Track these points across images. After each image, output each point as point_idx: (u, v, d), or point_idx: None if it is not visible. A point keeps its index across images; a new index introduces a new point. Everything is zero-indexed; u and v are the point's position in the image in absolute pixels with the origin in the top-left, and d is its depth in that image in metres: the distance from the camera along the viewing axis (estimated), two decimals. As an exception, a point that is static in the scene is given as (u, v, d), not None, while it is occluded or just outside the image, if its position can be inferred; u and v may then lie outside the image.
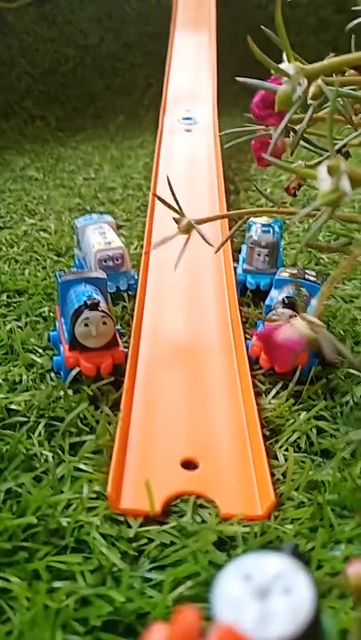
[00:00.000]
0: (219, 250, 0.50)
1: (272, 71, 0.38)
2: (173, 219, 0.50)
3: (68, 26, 1.65)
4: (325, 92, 0.40)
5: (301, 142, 0.47)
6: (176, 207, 0.50)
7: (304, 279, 0.54)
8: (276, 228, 0.65)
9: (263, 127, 0.49)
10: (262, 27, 0.42)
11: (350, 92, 0.43)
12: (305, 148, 0.48)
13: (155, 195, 0.52)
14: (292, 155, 0.48)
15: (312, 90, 0.42)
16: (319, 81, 0.41)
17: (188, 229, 0.49)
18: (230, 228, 0.76)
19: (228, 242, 0.71)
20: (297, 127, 0.46)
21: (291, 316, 0.50)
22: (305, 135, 0.47)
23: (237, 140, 0.49)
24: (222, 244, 0.52)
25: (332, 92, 0.40)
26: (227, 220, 0.77)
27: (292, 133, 0.47)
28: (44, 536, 0.36)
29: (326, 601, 0.33)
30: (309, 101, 0.43)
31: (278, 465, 0.43)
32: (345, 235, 0.50)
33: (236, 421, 0.47)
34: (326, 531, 0.37)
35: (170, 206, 0.49)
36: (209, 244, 0.49)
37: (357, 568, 0.25)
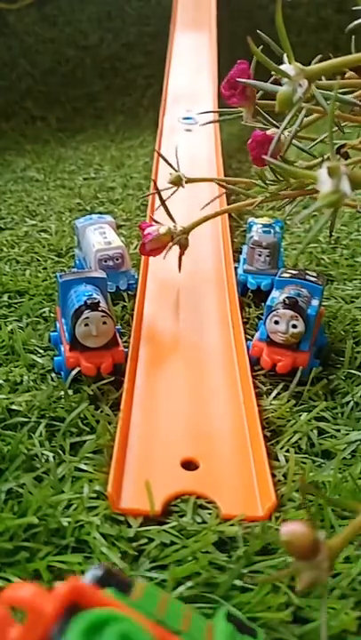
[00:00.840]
0: (205, 206, 0.61)
1: (273, 72, 0.38)
2: (169, 174, 0.62)
3: (68, 26, 1.65)
4: (317, 97, 0.41)
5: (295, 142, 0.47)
6: (175, 166, 0.61)
7: (305, 280, 0.54)
8: (277, 229, 0.65)
9: (262, 125, 0.50)
10: (259, 31, 0.42)
11: (342, 96, 0.44)
12: (298, 148, 0.48)
13: (158, 153, 0.64)
14: (285, 153, 0.48)
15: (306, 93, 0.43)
16: (312, 86, 0.41)
17: (177, 181, 0.62)
18: (230, 226, 0.76)
19: (229, 243, 0.71)
20: (265, 112, 0.48)
21: (292, 317, 0.50)
22: (297, 137, 0.48)
23: (221, 119, 0.52)
24: (209, 203, 0.62)
25: (323, 96, 0.40)
26: (227, 216, 0.77)
27: (284, 134, 0.47)
28: (44, 536, 0.36)
29: (327, 601, 0.33)
30: (301, 104, 0.43)
31: (279, 466, 0.43)
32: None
33: (236, 422, 0.47)
34: (327, 531, 0.37)
35: (166, 161, 0.61)
36: (182, 186, 0.61)
37: (290, 527, 0.27)
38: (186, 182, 0.61)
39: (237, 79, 0.48)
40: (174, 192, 0.61)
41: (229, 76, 0.49)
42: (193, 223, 0.61)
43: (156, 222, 0.61)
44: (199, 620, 0.26)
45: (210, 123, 0.56)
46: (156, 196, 0.81)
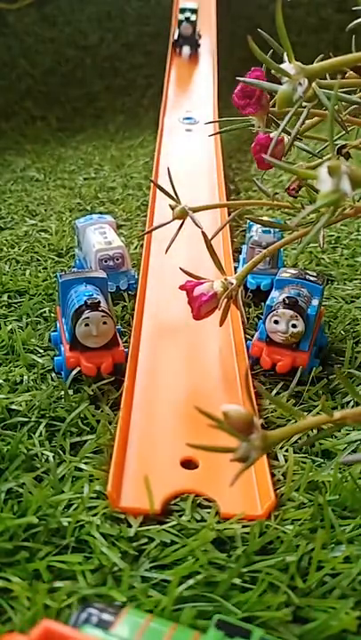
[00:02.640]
0: (213, 237, 0.53)
1: (271, 70, 0.38)
2: (170, 205, 0.54)
3: (68, 26, 1.65)
4: (319, 96, 0.41)
5: (297, 143, 0.47)
6: (174, 195, 0.54)
7: (305, 279, 0.54)
8: (277, 229, 0.65)
9: (245, 117, 0.50)
10: (260, 30, 0.42)
11: (345, 95, 0.44)
12: (300, 148, 0.48)
13: (155, 184, 0.55)
14: (285, 156, 0.48)
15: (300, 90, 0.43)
16: (314, 84, 0.41)
17: (181, 215, 0.54)
18: (230, 226, 0.76)
19: (229, 243, 0.71)
20: (280, 121, 0.47)
21: (292, 317, 0.50)
22: (300, 136, 0.47)
23: (228, 128, 0.50)
24: (217, 233, 0.56)
25: (325, 95, 0.40)
26: (226, 215, 0.77)
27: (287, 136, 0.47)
28: (44, 536, 0.36)
29: (327, 601, 0.33)
30: (304, 103, 0.43)
31: (279, 465, 0.43)
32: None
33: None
34: (327, 531, 0.37)
35: (166, 192, 0.53)
36: (199, 227, 0.52)
37: (231, 405, 0.33)
38: (193, 211, 0.54)
39: (255, 88, 0.45)
40: (181, 226, 0.55)
41: (243, 85, 0.46)
42: (244, 272, 0.51)
43: (199, 278, 0.52)
44: (183, 633, 0.27)
45: (217, 133, 0.54)
46: (157, 197, 0.81)
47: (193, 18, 1.27)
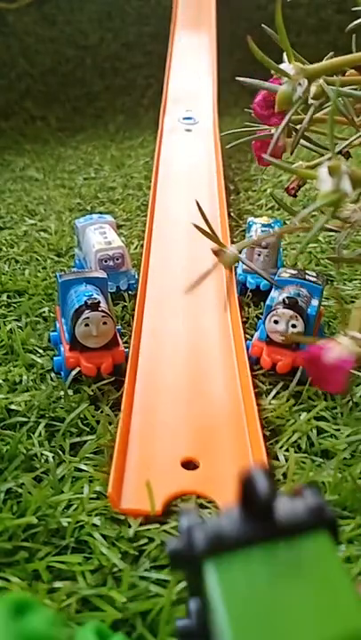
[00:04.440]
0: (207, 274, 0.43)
1: (273, 71, 0.38)
2: (212, 249, 0.45)
3: (67, 26, 1.65)
4: (327, 92, 0.40)
5: (302, 142, 0.47)
6: (214, 236, 0.44)
7: (304, 280, 0.54)
8: (276, 229, 0.65)
9: (264, 127, 0.49)
10: (264, 26, 0.42)
11: (352, 91, 0.43)
12: (305, 147, 0.48)
13: (195, 226, 0.44)
14: (291, 154, 0.48)
15: (313, 89, 0.42)
16: (321, 81, 0.41)
17: (234, 262, 0.44)
18: (230, 225, 0.76)
19: (228, 242, 0.71)
20: (298, 127, 0.46)
21: (291, 317, 0.50)
22: (306, 134, 0.47)
23: (239, 141, 0.49)
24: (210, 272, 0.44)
25: (333, 91, 0.40)
26: (226, 215, 0.77)
27: (294, 133, 0.47)
28: (44, 536, 0.36)
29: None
30: (310, 101, 0.43)
31: (279, 465, 0.43)
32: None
33: (236, 421, 0.47)
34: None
35: (208, 235, 0.44)
36: (270, 281, 0.48)
37: None
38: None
39: (244, 79, 0.42)
40: (210, 271, 0.44)
41: (265, 95, 0.43)
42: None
43: (216, 239, 0.44)
44: None
45: (233, 145, 0.50)
46: (157, 197, 0.81)
47: None
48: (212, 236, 0.44)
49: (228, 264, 0.44)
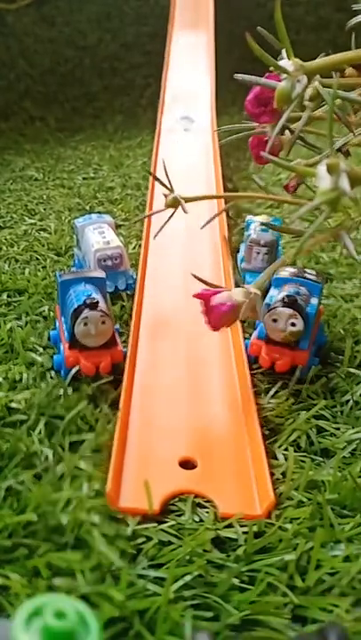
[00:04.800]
0: (205, 226, 0.51)
1: (271, 68, 0.38)
2: (163, 194, 0.52)
3: (66, 27, 1.65)
4: (322, 94, 0.41)
5: (299, 141, 0.47)
6: (168, 185, 0.51)
7: (304, 278, 0.54)
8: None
9: (258, 125, 0.49)
10: (259, 27, 0.42)
11: (347, 94, 0.43)
12: (303, 146, 0.48)
13: (153, 176, 0.54)
14: (288, 153, 0.48)
15: (309, 92, 0.42)
16: (316, 83, 0.41)
17: (174, 203, 0.51)
18: (228, 224, 0.76)
19: (228, 242, 0.71)
20: (292, 126, 0.46)
21: (290, 315, 0.50)
22: (302, 133, 0.47)
23: (233, 136, 0.49)
24: (210, 221, 0.53)
25: (329, 94, 0.40)
26: (225, 214, 0.77)
27: (288, 131, 0.47)
28: (43, 533, 0.36)
29: (326, 600, 0.33)
30: (306, 103, 0.43)
31: (278, 464, 0.43)
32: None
33: (235, 421, 0.47)
34: (326, 530, 0.37)
35: (160, 181, 0.51)
36: (184, 211, 0.50)
37: None
38: (186, 202, 0.52)
39: (271, 95, 0.41)
40: (172, 215, 0.52)
41: (257, 92, 0.44)
42: (262, 280, 0.48)
43: (216, 286, 0.48)
44: None
45: (225, 141, 0.52)
46: (155, 197, 0.81)
47: None
48: (162, 182, 0.51)
49: (169, 204, 0.51)
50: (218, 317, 0.46)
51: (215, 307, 0.46)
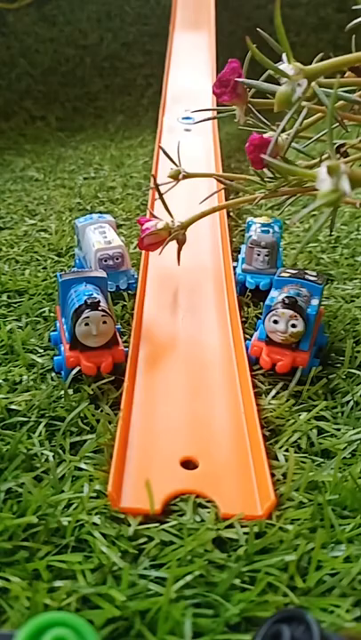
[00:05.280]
0: (203, 201, 0.60)
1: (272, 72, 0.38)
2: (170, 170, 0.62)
3: (67, 26, 1.65)
4: (319, 95, 0.41)
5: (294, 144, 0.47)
6: (175, 160, 0.62)
7: (304, 279, 0.54)
8: (276, 228, 0.65)
9: (260, 127, 0.50)
10: (259, 29, 0.43)
11: (345, 94, 0.44)
12: (297, 150, 0.48)
13: (159, 146, 0.62)
14: (284, 154, 0.48)
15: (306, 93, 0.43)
16: (313, 84, 0.41)
17: (176, 175, 0.62)
18: (229, 225, 0.76)
19: (228, 242, 0.71)
20: (274, 125, 0.47)
21: (291, 316, 0.50)
22: (301, 137, 0.47)
23: (213, 117, 0.52)
24: (207, 198, 0.63)
25: (325, 94, 0.40)
26: (225, 215, 0.77)
27: (282, 136, 0.48)
28: (44, 535, 0.36)
29: (326, 600, 0.33)
30: (303, 103, 0.43)
31: (278, 465, 0.43)
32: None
33: (235, 421, 0.47)
34: (327, 531, 0.37)
35: (167, 155, 0.61)
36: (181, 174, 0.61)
37: None
38: (184, 177, 0.62)
39: (230, 78, 0.48)
40: (173, 186, 0.61)
41: (220, 75, 0.49)
42: (190, 219, 0.60)
43: (155, 217, 0.60)
44: None
45: (206, 120, 0.56)
46: (156, 196, 0.81)
47: None
48: (169, 155, 0.61)
49: (171, 174, 0.63)
50: (142, 237, 0.60)
51: (143, 230, 0.60)
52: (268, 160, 0.37)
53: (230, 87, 0.49)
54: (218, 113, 0.53)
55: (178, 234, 0.60)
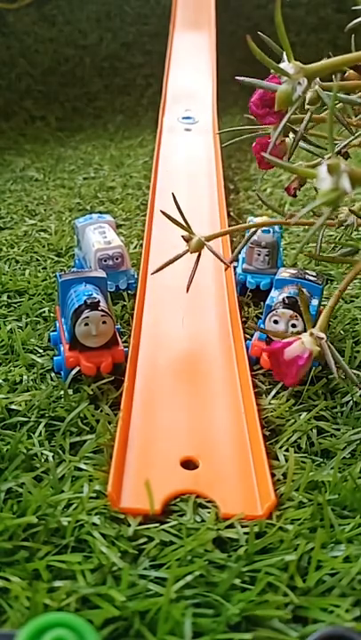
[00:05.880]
0: (232, 263, 0.50)
1: (272, 70, 0.38)
2: (182, 237, 0.51)
3: (67, 26, 1.65)
4: (323, 98, 0.41)
5: (301, 144, 0.47)
6: (184, 224, 0.50)
7: (304, 279, 0.54)
8: (276, 228, 0.65)
9: (262, 127, 0.49)
10: (260, 32, 0.42)
11: (348, 97, 0.44)
12: (304, 149, 0.48)
13: (166, 215, 0.51)
14: (291, 155, 0.48)
15: (309, 95, 0.43)
16: (316, 87, 0.41)
17: (198, 248, 0.49)
18: (232, 234, 0.76)
19: (228, 242, 0.71)
20: (296, 127, 0.47)
21: (291, 316, 0.50)
22: (305, 136, 0.47)
23: (236, 138, 0.49)
24: (234, 258, 0.53)
25: (329, 97, 0.40)
26: (226, 215, 0.77)
27: (291, 134, 0.47)
28: (44, 535, 0.36)
29: (326, 600, 0.33)
30: (307, 106, 0.43)
31: (279, 465, 0.43)
32: (350, 244, 0.50)
33: (236, 421, 0.47)
34: (326, 531, 0.37)
35: (177, 223, 0.49)
36: (223, 262, 0.50)
37: None
38: (206, 239, 0.51)
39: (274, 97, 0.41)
40: (197, 260, 0.52)
41: (262, 94, 0.45)
42: (324, 320, 0.45)
43: (281, 335, 0.46)
44: None
45: (232, 142, 0.52)
46: (156, 196, 0.81)
47: None
48: (180, 223, 0.50)
49: (194, 249, 0.50)
50: (298, 372, 0.42)
51: (293, 361, 0.42)
52: (270, 159, 0.37)
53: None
54: (249, 132, 0.49)
55: (325, 343, 0.44)
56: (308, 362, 0.42)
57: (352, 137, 0.47)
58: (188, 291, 0.50)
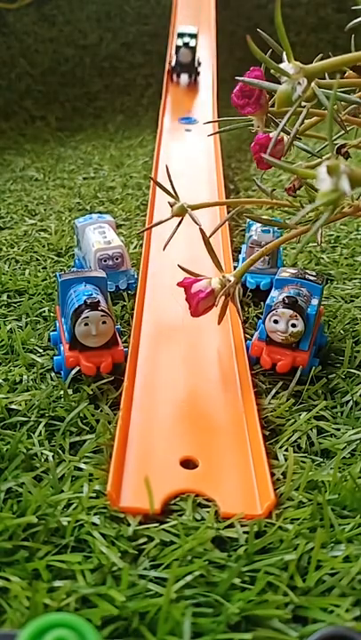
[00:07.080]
0: (211, 235, 0.52)
1: (272, 70, 0.38)
2: (168, 202, 0.54)
3: (67, 26, 1.65)
4: (318, 96, 0.41)
5: (297, 143, 0.47)
6: (173, 192, 0.53)
7: (304, 279, 0.54)
8: (276, 228, 0.65)
9: (243, 117, 0.50)
10: (259, 30, 0.43)
11: (344, 95, 0.44)
12: (300, 148, 0.48)
13: (155, 182, 0.55)
14: (285, 154, 0.48)
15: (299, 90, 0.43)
16: (313, 84, 0.41)
17: (180, 212, 0.53)
18: (229, 225, 0.76)
19: (228, 242, 0.71)
20: (289, 128, 0.47)
21: (291, 316, 0.50)
22: (300, 135, 0.47)
23: (232, 126, 0.50)
24: (216, 230, 0.55)
25: (324, 94, 0.40)
26: (226, 215, 0.77)
27: (284, 135, 0.47)
28: (44, 535, 0.36)
29: (326, 600, 0.33)
30: (303, 103, 0.43)
31: (278, 465, 0.43)
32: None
33: (235, 421, 0.47)
34: (326, 531, 0.37)
35: (165, 190, 0.53)
36: (197, 224, 0.52)
37: None
38: (191, 209, 0.53)
39: (254, 88, 0.45)
40: (180, 223, 0.54)
41: (242, 85, 0.46)
42: (243, 267, 0.52)
43: (195, 274, 0.51)
44: None
45: (216, 133, 0.53)
46: (156, 196, 0.81)
47: (192, 43, 1.18)
48: (165, 189, 0.53)
49: (175, 213, 0.53)
50: (197, 304, 0.50)
51: (195, 294, 0.50)
52: (269, 160, 0.37)
53: (254, 98, 0.46)
54: (229, 123, 0.50)
55: (230, 289, 0.50)
56: (208, 297, 0.49)
57: (345, 134, 0.47)
58: (164, 249, 0.52)
